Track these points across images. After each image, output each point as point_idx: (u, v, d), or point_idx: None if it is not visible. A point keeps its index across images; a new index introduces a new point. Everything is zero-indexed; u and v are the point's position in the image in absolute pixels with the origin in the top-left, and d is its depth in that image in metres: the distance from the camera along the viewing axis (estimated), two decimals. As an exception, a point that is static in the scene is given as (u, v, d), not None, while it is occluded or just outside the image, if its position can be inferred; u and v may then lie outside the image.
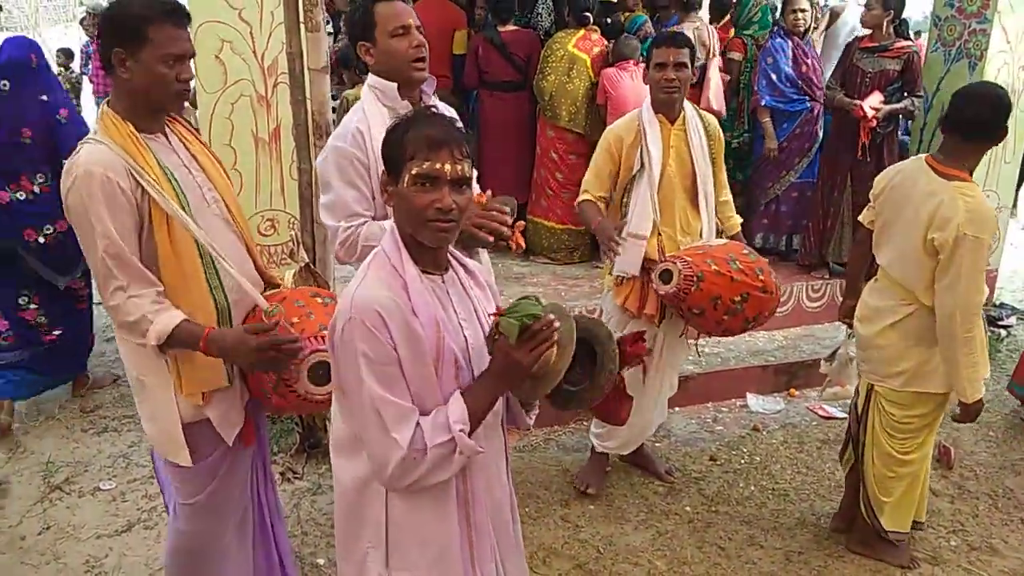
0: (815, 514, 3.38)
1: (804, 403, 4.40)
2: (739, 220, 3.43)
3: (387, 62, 2.34)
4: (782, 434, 4.06)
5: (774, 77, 5.10)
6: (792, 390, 4.49)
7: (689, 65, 3.04)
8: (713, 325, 3.02)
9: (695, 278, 2.90)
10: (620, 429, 3.20)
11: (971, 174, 2.67)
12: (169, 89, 1.93)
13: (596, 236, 3.18)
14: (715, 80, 5.06)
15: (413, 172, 1.49)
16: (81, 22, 9.70)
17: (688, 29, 5.07)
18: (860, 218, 3.06)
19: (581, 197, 3.24)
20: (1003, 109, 2.62)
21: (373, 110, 2.35)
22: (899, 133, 5.27)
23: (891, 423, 2.88)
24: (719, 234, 3.32)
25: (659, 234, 3.11)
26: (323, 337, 1.93)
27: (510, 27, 5.18)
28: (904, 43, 4.81)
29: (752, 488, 3.57)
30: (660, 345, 3.26)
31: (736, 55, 5.35)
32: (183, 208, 1.95)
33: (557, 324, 1.48)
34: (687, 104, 3.17)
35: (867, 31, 4.92)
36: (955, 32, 5.38)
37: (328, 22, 5.81)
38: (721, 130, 3.32)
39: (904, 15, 5.20)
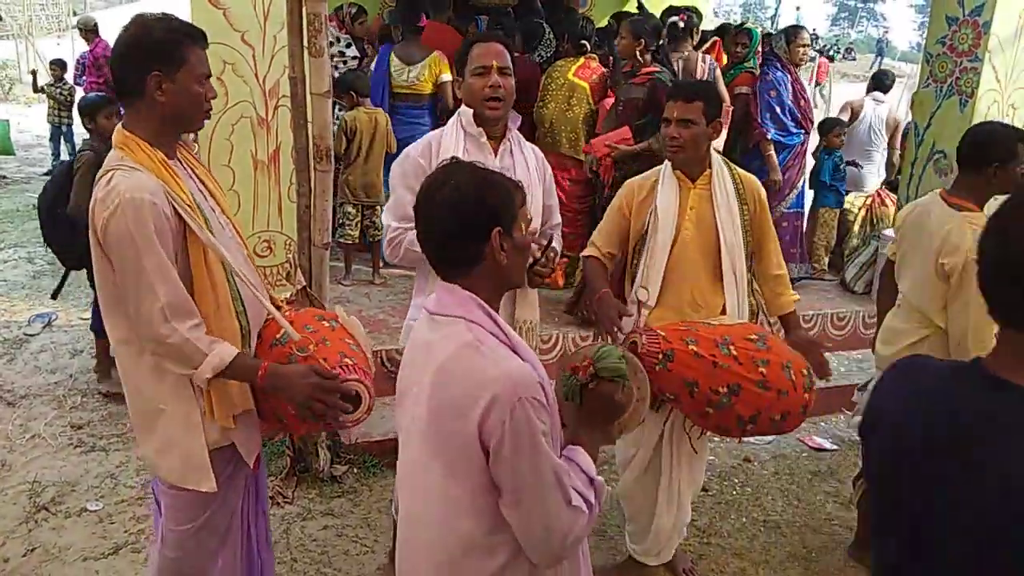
0: (806, 547, 3.38)
1: (795, 434, 4.40)
2: (793, 299, 2.90)
3: (467, 96, 2.59)
4: (773, 465, 4.07)
5: (778, 110, 5.20)
6: (783, 421, 4.49)
7: (702, 121, 2.68)
8: (698, 418, 2.57)
9: (661, 355, 2.44)
10: (648, 533, 2.95)
11: (982, 206, 2.80)
12: (202, 108, 1.97)
13: (596, 310, 2.76)
14: None
15: None
16: (81, 32, 9.62)
17: (674, 61, 5.13)
18: (885, 251, 3.11)
19: (587, 250, 2.97)
20: (990, 143, 2.76)
21: (452, 130, 2.60)
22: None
23: None
24: (755, 313, 2.89)
25: (644, 303, 2.75)
26: (348, 365, 1.99)
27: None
28: (651, 69, 4.44)
29: (744, 520, 3.57)
30: (667, 438, 2.84)
31: (744, 88, 5.42)
32: (212, 234, 1.96)
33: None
34: (717, 159, 2.78)
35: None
36: (946, 69, 5.47)
37: (350, 45, 5.84)
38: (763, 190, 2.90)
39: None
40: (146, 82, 1.87)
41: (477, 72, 2.51)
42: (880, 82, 6.87)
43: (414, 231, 2.34)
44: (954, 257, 2.72)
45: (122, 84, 1.92)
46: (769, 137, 5.19)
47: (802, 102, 5.28)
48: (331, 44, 5.48)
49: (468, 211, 1.50)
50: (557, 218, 2.84)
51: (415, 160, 2.54)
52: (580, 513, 1.48)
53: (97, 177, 1.90)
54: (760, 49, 5.62)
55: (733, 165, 2.88)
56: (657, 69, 4.45)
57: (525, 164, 2.63)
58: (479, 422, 1.41)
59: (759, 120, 5.27)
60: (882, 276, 3.32)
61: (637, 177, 2.91)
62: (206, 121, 2.04)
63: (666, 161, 2.82)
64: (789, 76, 5.21)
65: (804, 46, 5.14)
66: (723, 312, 2.77)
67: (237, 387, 2.00)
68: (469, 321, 1.50)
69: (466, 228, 1.51)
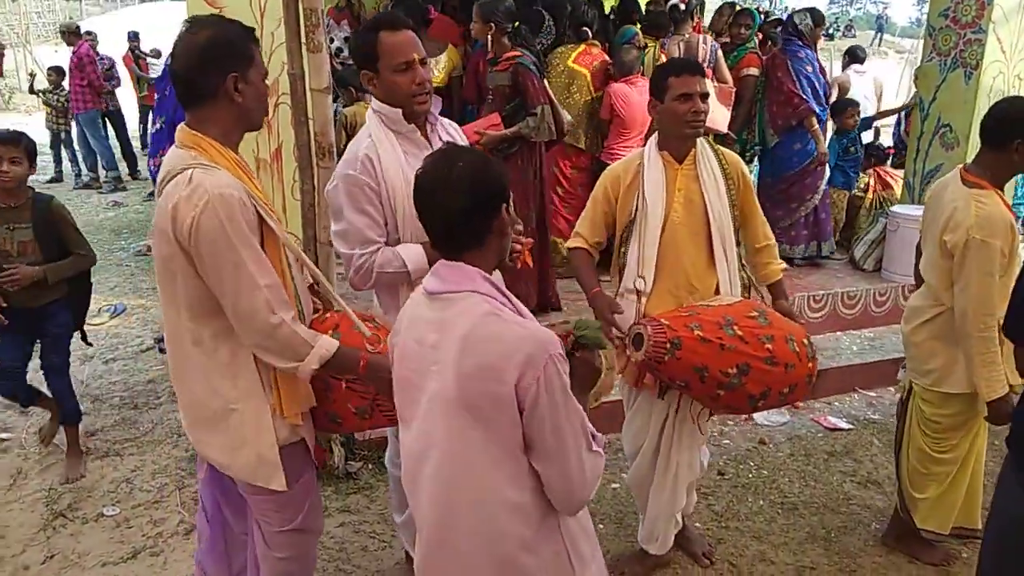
0: (825, 528, 3.36)
1: (809, 415, 4.39)
2: (780, 267, 2.89)
3: (390, 96, 2.34)
4: (789, 447, 4.04)
5: (816, 85, 5.30)
6: (796, 402, 4.48)
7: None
8: (708, 400, 2.58)
9: (669, 345, 2.43)
10: (649, 518, 2.93)
11: (1000, 184, 2.74)
12: (266, 105, 1.98)
13: (592, 307, 2.75)
14: (712, 97, 5.06)
15: None
16: (64, 35, 9.63)
17: (675, 43, 5.09)
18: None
19: (572, 242, 2.86)
20: (1014, 118, 2.66)
21: (380, 135, 2.35)
22: None
23: (924, 419, 2.97)
24: (748, 287, 2.84)
25: (641, 292, 2.70)
26: None
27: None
28: (512, 54, 4.30)
29: (761, 502, 3.55)
30: (674, 422, 2.80)
31: (754, 70, 5.39)
32: None
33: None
34: (700, 140, 2.74)
35: None
36: (950, 42, 5.42)
37: (347, 39, 5.79)
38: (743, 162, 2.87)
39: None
40: (225, 83, 1.86)
41: (400, 69, 2.29)
42: (855, 56, 7.65)
43: (379, 254, 2.34)
44: (955, 234, 2.67)
45: (194, 88, 1.88)
46: (814, 112, 5.32)
47: (824, 79, 5.37)
48: (331, 40, 5.45)
49: (483, 187, 1.57)
50: None
51: (362, 182, 2.29)
52: (599, 456, 1.61)
53: (167, 177, 1.86)
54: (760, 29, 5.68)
55: (710, 141, 2.85)
56: (518, 54, 4.26)
57: (458, 139, 2.56)
58: (515, 382, 1.48)
59: (802, 96, 5.32)
60: (916, 252, 3.24)
61: (618, 162, 2.84)
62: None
63: (650, 142, 2.75)
64: (814, 54, 5.28)
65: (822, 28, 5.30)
66: (717, 291, 2.73)
67: (305, 385, 2.02)
68: (481, 294, 1.57)
69: (481, 204, 1.57)
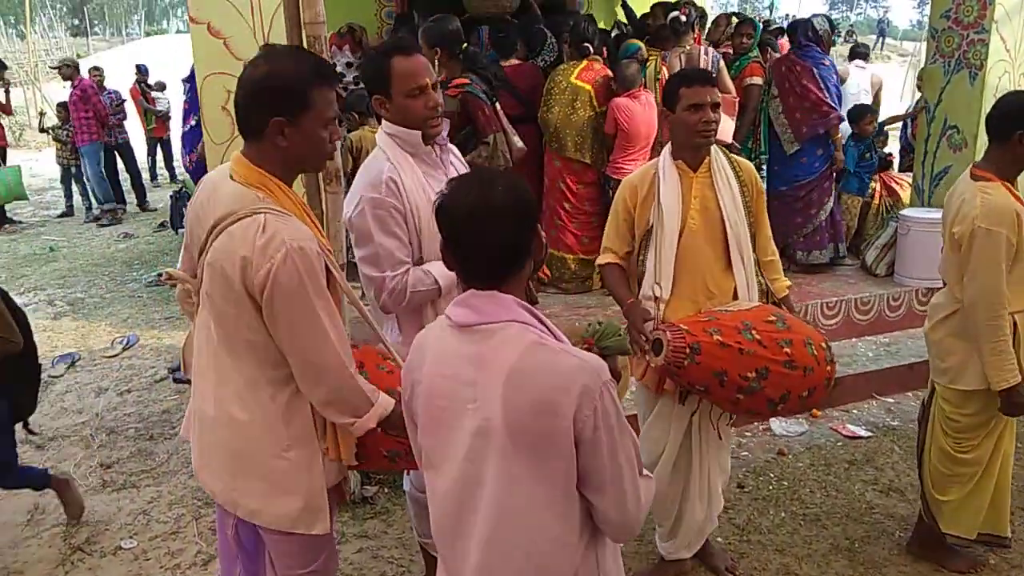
0: (848, 538, 3.32)
1: (827, 424, 4.35)
2: (787, 283, 2.96)
3: (403, 119, 2.36)
4: (808, 457, 4.00)
5: (838, 93, 5.47)
6: (815, 411, 4.43)
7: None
8: (728, 404, 2.61)
9: (688, 350, 2.47)
10: (680, 527, 2.94)
11: (1009, 177, 2.76)
12: (324, 152, 1.88)
13: (626, 318, 2.74)
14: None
15: None
16: (61, 71, 9.74)
17: (676, 56, 5.10)
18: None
19: (603, 258, 2.89)
20: (1015, 111, 2.70)
21: (399, 157, 2.37)
22: None
23: (945, 419, 2.95)
24: (766, 293, 2.87)
25: (660, 298, 2.72)
26: None
27: (512, 61, 5.20)
28: (460, 81, 4.19)
29: (783, 514, 3.50)
30: (695, 426, 2.82)
31: (757, 80, 5.39)
32: None
33: None
34: (713, 148, 2.77)
35: None
36: (953, 43, 5.41)
37: (350, 65, 5.83)
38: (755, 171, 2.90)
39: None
40: (267, 126, 1.78)
41: (413, 94, 2.31)
42: (858, 52, 8.21)
43: (411, 274, 2.35)
44: (962, 226, 2.71)
45: (245, 123, 1.83)
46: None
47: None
48: (334, 66, 5.49)
49: (526, 210, 1.49)
50: None
51: (389, 204, 2.30)
52: (650, 480, 1.57)
53: (230, 218, 1.77)
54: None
55: (725, 149, 2.87)
56: (466, 81, 4.16)
57: (460, 164, 2.58)
58: (573, 414, 1.41)
59: (832, 104, 5.37)
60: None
61: (634, 173, 2.86)
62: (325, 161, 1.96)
63: (664, 152, 2.77)
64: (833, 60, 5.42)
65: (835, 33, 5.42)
66: (735, 297, 2.76)
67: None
68: (521, 323, 1.47)
69: (525, 228, 1.49)
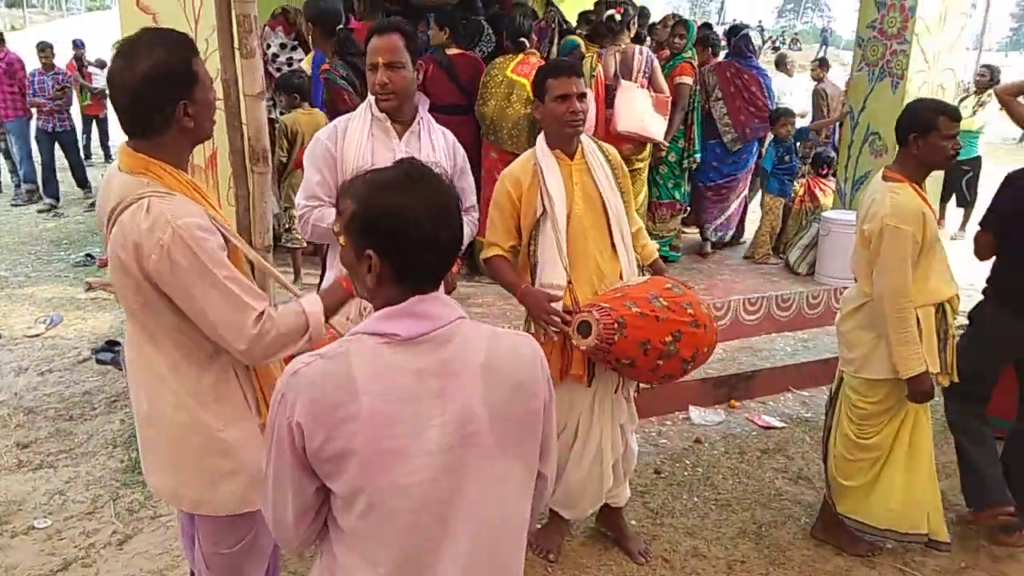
0: (756, 523, 3.46)
1: (744, 414, 4.51)
2: (655, 247, 3.16)
3: (369, 88, 2.69)
4: (723, 445, 4.15)
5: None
6: (732, 402, 4.60)
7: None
8: (648, 373, 2.71)
9: (616, 325, 2.58)
10: (564, 485, 3.00)
11: (917, 179, 2.93)
12: (213, 115, 1.92)
13: (524, 305, 2.83)
14: (642, 103, 5.13)
15: None
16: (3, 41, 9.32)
17: (611, 53, 5.19)
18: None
19: (487, 252, 2.90)
20: (909, 116, 2.91)
21: (360, 113, 2.72)
22: None
23: (850, 406, 3.11)
24: (642, 269, 3.05)
25: (570, 282, 2.79)
26: None
27: (455, 50, 5.22)
28: (324, 67, 4.46)
29: (695, 499, 3.63)
30: (592, 405, 2.93)
31: (687, 79, 5.53)
32: None
33: None
34: (583, 136, 2.89)
35: None
36: (878, 53, 5.63)
37: (295, 48, 5.72)
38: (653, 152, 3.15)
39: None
40: (176, 113, 1.77)
41: (370, 68, 2.63)
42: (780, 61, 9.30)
43: (321, 208, 2.61)
44: (872, 223, 2.87)
45: (141, 122, 1.79)
46: None
47: None
48: (268, 47, 5.44)
49: (459, 208, 1.43)
50: (470, 200, 2.90)
51: (323, 144, 2.67)
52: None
53: (119, 207, 1.77)
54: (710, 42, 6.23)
55: (592, 137, 3.07)
56: (328, 67, 4.40)
57: (431, 147, 2.73)
58: (545, 390, 1.47)
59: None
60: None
61: (513, 165, 2.91)
62: None
63: (539, 142, 2.85)
64: None
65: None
66: (620, 277, 2.87)
67: None
68: (462, 317, 1.41)
69: (461, 225, 1.44)
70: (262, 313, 1.82)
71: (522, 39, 5.04)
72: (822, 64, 9.35)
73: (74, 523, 3.31)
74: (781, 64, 9.04)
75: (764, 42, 7.42)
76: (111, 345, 4.96)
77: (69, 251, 7.45)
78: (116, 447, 3.87)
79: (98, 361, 4.85)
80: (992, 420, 3.46)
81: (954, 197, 8.44)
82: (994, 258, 3.39)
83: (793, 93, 8.91)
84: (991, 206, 3.37)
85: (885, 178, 2.96)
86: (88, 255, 7.17)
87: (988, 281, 3.41)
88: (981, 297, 3.42)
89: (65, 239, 7.92)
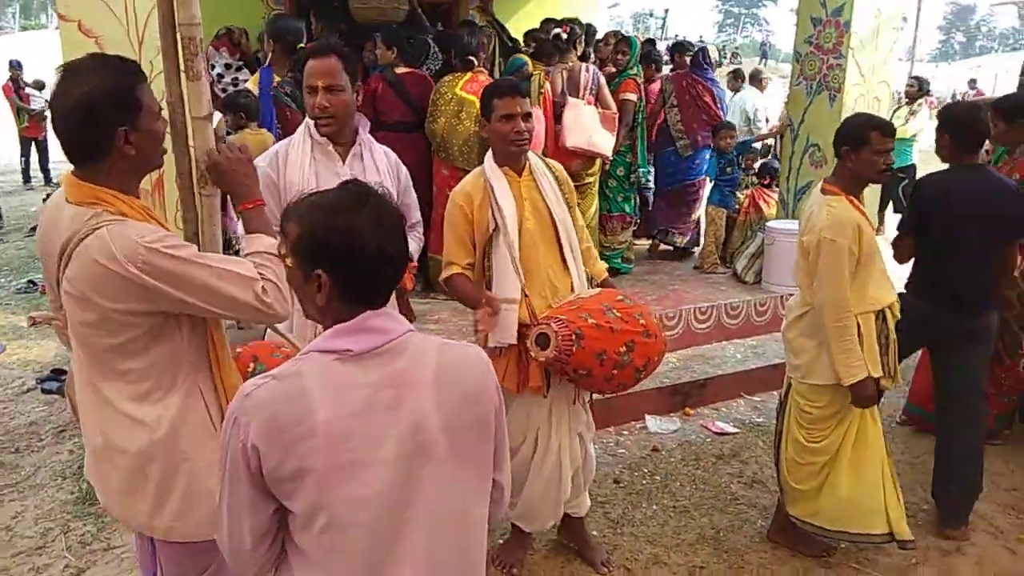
0: (714, 528, 3.52)
1: (699, 421, 4.59)
2: (604, 266, 3.24)
3: (308, 114, 2.70)
4: (680, 452, 4.21)
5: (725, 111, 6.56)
6: (687, 409, 4.68)
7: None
8: (603, 383, 2.76)
9: (574, 336, 2.63)
10: (524, 498, 3.01)
11: (854, 191, 3.03)
12: (161, 145, 1.88)
13: (485, 312, 2.80)
14: (590, 119, 5.22)
15: None
16: None
17: (558, 71, 5.28)
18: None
19: (448, 271, 2.91)
20: (842, 131, 3.04)
21: (298, 139, 2.71)
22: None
23: (799, 410, 3.19)
24: (591, 283, 3.11)
25: (526, 295, 2.83)
26: None
27: (403, 68, 5.25)
28: (274, 84, 4.67)
29: (655, 507, 3.68)
30: (549, 417, 2.96)
31: (631, 95, 5.64)
32: None
33: None
34: (530, 153, 2.95)
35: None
36: (815, 67, 5.82)
37: (240, 68, 5.67)
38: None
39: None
40: (115, 141, 1.74)
41: (308, 91, 2.64)
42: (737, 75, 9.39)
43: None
44: (810, 235, 2.97)
45: (80, 148, 1.76)
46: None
47: None
48: (213, 67, 5.39)
49: (401, 223, 1.47)
50: (415, 217, 2.97)
51: (264, 172, 2.57)
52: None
53: (72, 241, 1.73)
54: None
55: (538, 153, 3.15)
56: (276, 84, 4.54)
57: (375, 167, 2.74)
58: (495, 396, 1.51)
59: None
60: None
61: (464, 183, 2.93)
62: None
63: (488, 160, 2.91)
64: None
65: None
66: (572, 290, 2.94)
67: None
68: (411, 330, 1.46)
69: (404, 240, 1.48)
70: (257, 278, 1.84)
71: (470, 57, 5.09)
72: (736, 75, 9.41)
73: (23, 559, 3.21)
74: (755, 79, 9.04)
75: (723, 57, 7.64)
76: (57, 374, 4.83)
77: (11, 278, 7.24)
78: (65, 479, 3.77)
79: (43, 391, 4.72)
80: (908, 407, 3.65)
81: (891, 204, 8.72)
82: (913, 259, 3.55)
83: (768, 108, 8.95)
84: (908, 211, 3.53)
85: (823, 191, 3.05)
86: (31, 282, 6.97)
87: (908, 279, 3.58)
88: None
89: (6, 265, 7.70)
